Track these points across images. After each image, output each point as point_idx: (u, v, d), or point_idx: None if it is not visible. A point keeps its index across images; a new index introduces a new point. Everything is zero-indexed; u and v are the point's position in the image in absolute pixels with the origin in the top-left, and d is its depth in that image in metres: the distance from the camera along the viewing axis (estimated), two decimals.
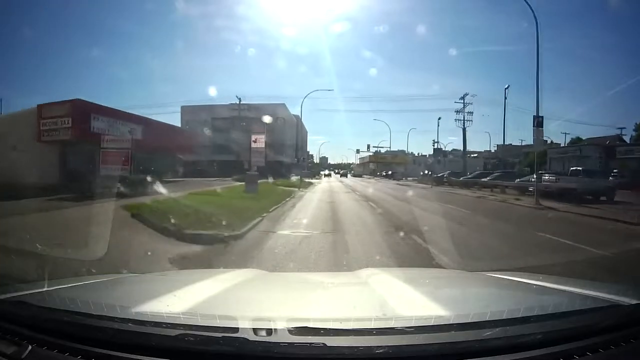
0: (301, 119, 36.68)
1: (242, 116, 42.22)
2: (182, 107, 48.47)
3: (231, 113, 43.60)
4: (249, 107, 43.14)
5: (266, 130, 42.34)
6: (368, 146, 68.81)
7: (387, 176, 59.80)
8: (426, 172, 53.02)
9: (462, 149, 47.74)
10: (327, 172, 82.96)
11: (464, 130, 43.60)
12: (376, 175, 66.85)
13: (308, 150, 79.10)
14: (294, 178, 35.61)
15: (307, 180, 37.21)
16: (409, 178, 52.25)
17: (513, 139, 59.29)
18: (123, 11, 60.12)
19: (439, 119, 52.87)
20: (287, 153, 46.66)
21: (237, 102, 42.96)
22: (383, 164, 71.31)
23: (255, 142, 22.10)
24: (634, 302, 1.34)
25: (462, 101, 42.90)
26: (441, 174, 38.15)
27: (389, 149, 68.78)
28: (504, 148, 47.96)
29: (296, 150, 39.81)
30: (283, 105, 49.09)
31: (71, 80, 63.73)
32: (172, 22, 64.53)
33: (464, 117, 42.96)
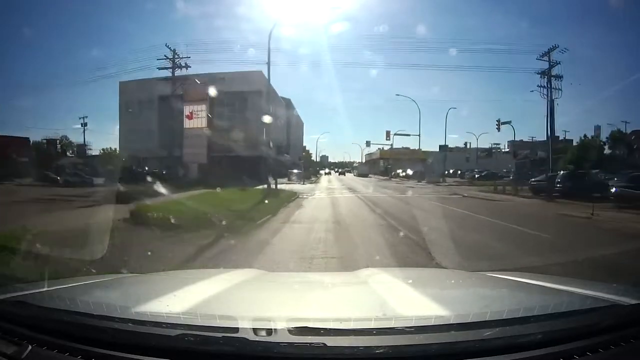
0: (269, 62, 18.17)
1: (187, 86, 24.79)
2: (121, 84, 34.05)
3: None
4: (198, 76, 25.11)
5: (238, 111, 28.80)
6: (387, 133, 43.37)
7: (407, 177, 42.53)
8: (459, 171, 43.71)
9: (484, 146, 36.82)
10: (327, 170, 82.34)
11: (552, 102, 25.31)
12: (392, 176, 47.50)
13: (307, 147, 70.77)
14: (273, 185, 18.03)
15: (290, 187, 21.90)
16: (445, 180, 35.20)
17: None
18: None
19: (541, 75, 26.25)
20: (274, 148, 28.03)
21: (183, 67, 24.71)
22: (396, 161, 53.64)
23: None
24: (634, 302, 1.34)
25: (546, 59, 25.41)
26: (540, 178, 21.42)
27: (416, 137, 44.52)
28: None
29: (285, 141, 27.09)
30: (259, 73, 25.65)
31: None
32: (172, 20, 63.44)
33: (549, 84, 25.27)
